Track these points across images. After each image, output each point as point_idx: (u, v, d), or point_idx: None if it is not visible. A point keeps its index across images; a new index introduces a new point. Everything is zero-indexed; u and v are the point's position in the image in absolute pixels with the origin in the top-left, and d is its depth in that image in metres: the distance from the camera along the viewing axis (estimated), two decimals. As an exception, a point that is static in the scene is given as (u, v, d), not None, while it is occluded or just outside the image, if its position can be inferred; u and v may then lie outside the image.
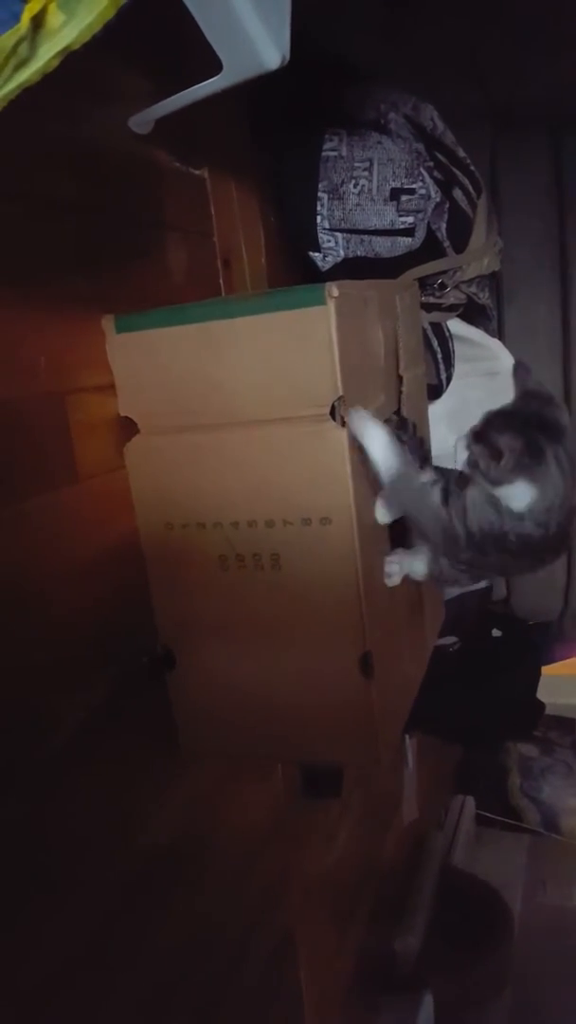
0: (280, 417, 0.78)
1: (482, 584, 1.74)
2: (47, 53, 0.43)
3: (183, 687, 0.91)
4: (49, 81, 0.46)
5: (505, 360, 1.48)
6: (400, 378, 0.98)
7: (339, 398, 0.75)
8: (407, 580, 0.95)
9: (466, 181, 1.19)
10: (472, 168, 1.20)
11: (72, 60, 0.45)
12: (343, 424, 0.76)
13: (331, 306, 0.72)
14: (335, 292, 0.72)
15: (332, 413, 0.76)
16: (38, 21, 0.42)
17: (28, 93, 0.46)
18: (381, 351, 0.90)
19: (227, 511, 0.82)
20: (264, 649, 0.86)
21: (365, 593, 0.81)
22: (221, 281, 1.06)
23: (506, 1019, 1.70)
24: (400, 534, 0.93)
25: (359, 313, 0.82)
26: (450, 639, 1.74)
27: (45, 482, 0.73)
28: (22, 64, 0.43)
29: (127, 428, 0.84)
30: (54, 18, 0.42)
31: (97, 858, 0.79)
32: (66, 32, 0.43)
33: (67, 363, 0.76)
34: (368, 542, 0.82)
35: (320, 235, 1.15)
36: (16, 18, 0.41)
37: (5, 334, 0.69)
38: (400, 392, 0.98)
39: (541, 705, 1.83)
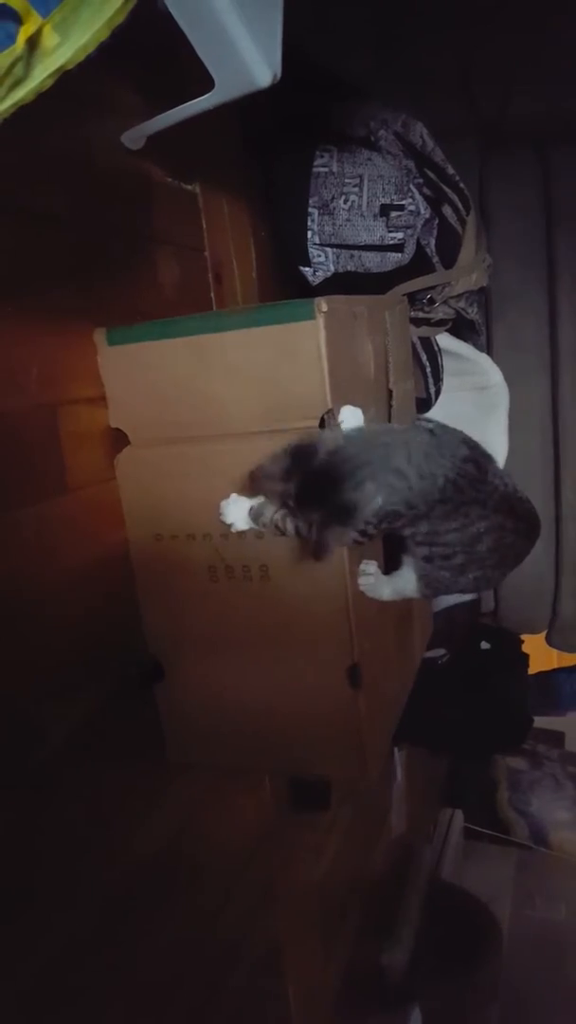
0: (270, 429, 0.79)
1: (470, 596, 1.74)
2: (42, 73, 0.44)
3: (171, 698, 0.91)
4: (43, 98, 0.46)
5: (493, 375, 1.49)
6: (390, 392, 0.99)
7: (328, 411, 0.76)
8: None
9: (455, 198, 1.20)
10: (461, 185, 1.22)
11: (66, 78, 0.46)
12: None
13: (320, 321, 0.73)
14: (324, 307, 0.73)
15: (322, 424, 0.76)
16: (33, 42, 0.42)
17: (23, 110, 0.46)
18: (371, 365, 0.91)
19: (216, 522, 0.82)
20: (252, 660, 0.86)
21: (354, 606, 0.81)
22: (212, 295, 1.07)
23: (494, 1033, 1.69)
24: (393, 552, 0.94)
25: (348, 327, 0.83)
26: (439, 651, 1.74)
27: (36, 493, 0.74)
28: (17, 83, 0.43)
29: (118, 440, 0.84)
30: (49, 39, 0.43)
31: (86, 868, 0.79)
32: (61, 52, 0.43)
33: (58, 375, 0.77)
34: (357, 555, 0.82)
35: (311, 250, 1.16)
36: (12, 39, 0.42)
37: (-4, 346, 0.69)
38: (390, 406, 0.99)
39: (530, 718, 1.84)
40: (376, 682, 0.89)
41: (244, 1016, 1.11)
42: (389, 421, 0.99)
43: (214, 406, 0.80)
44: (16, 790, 0.70)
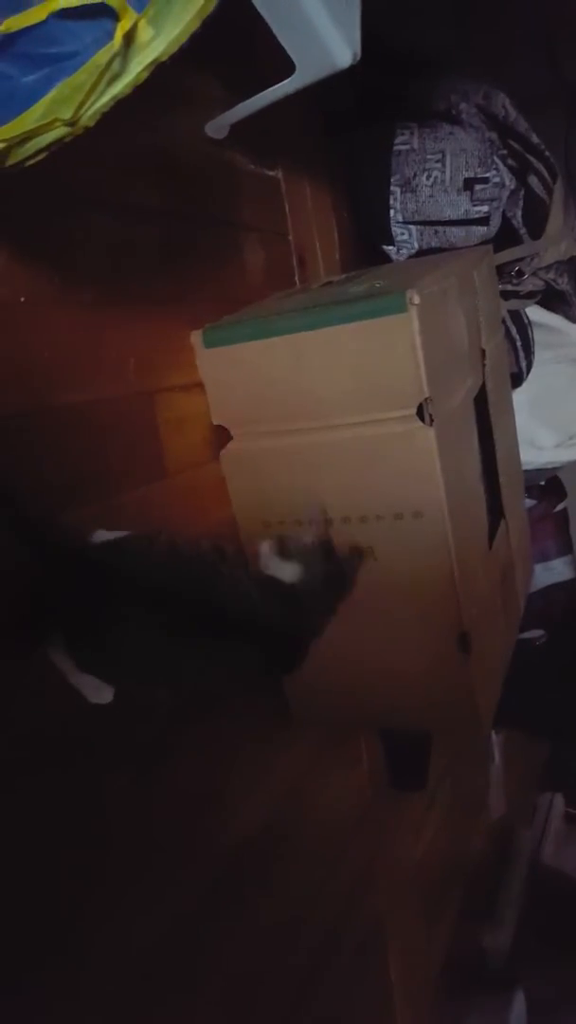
0: (369, 420, 0.80)
1: (569, 575, 1.71)
2: (138, 66, 0.46)
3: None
4: (134, 93, 0.48)
5: (586, 346, 1.45)
6: (483, 352, 0.99)
7: (426, 399, 0.76)
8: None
9: (541, 167, 1.17)
10: (547, 154, 1.19)
11: (154, 72, 0.48)
12: (431, 423, 0.77)
13: (413, 313, 0.73)
14: (416, 299, 0.73)
15: (420, 413, 0.77)
16: (129, 37, 0.44)
17: (118, 105, 0.48)
18: (464, 333, 0.91)
19: (322, 508, 0.84)
20: (367, 631, 0.88)
21: (460, 579, 0.83)
22: (297, 279, 1.08)
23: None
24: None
25: (440, 309, 0.83)
26: (537, 632, 1.71)
27: (137, 478, 0.76)
28: (115, 78, 0.45)
29: (221, 435, 0.87)
30: (144, 33, 0.45)
31: (195, 840, 0.82)
32: (155, 45, 0.45)
33: (155, 363, 0.80)
34: (461, 531, 0.84)
35: (393, 228, 1.16)
36: (110, 36, 0.44)
37: (95, 337, 0.72)
38: (484, 364, 0.99)
39: (632, 699, 1.79)
40: (484, 642, 0.91)
41: (346, 995, 1.12)
42: (483, 379, 0.99)
43: (312, 400, 0.82)
44: (133, 761, 0.73)
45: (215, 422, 0.87)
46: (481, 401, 1.00)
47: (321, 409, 0.82)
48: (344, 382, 0.79)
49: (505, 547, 1.08)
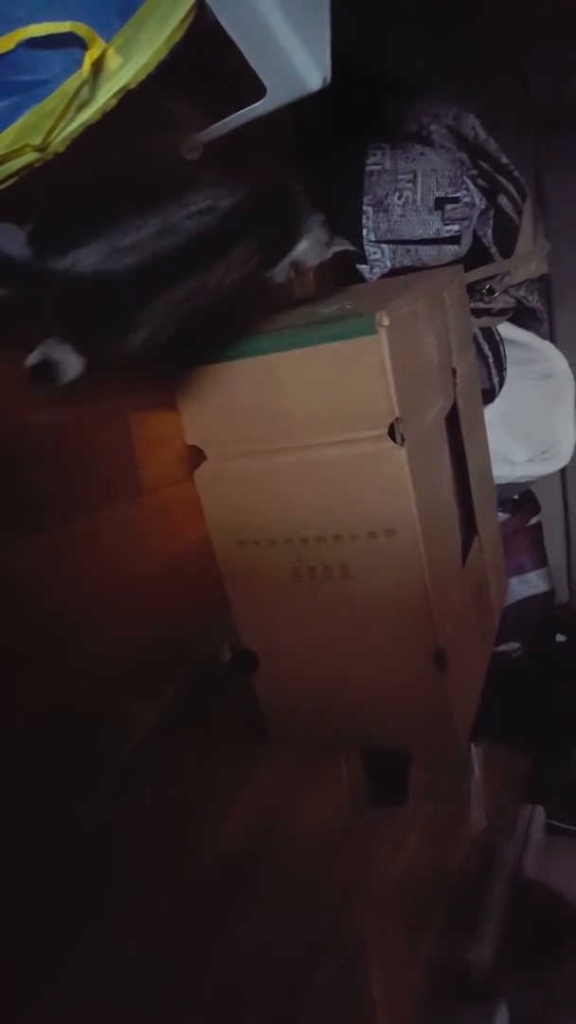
0: (341, 440, 0.81)
1: (544, 588, 1.72)
2: (106, 94, 0.46)
3: (268, 685, 0.96)
4: (107, 117, 0.49)
5: (558, 362, 1.48)
6: (454, 371, 1.00)
7: (397, 419, 0.77)
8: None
9: (511, 187, 1.19)
10: (516, 174, 1.21)
11: (128, 96, 0.49)
12: (402, 442, 0.78)
13: (382, 335, 0.74)
14: (385, 321, 0.74)
15: (391, 433, 0.78)
16: (98, 65, 0.45)
17: (89, 130, 0.49)
18: (435, 353, 0.92)
19: (296, 528, 0.85)
20: (341, 650, 0.90)
21: (434, 596, 0.83)
22: (271, 298, 1.09)
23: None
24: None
25: (410, 330, 0.84)
26: (513, 645, 1.73)
27: (110, 496, 0.77)
28: (84, 105, 0.46)
29: (195, 455, 0.88)
30: (112, 61, 0.45)
31: (173, 860, 0.81)
32: (124, 73, 0.46)
33: (129, 380, 0.80)
34: (434, 549, 0.85)
35: (367, 247, 1.17)
36: (78, 64, 0.45)
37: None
38: (455, 384, 1.01)
39: (610, 711, 1.80)
40: (460, 658, 0.92)
41: (328, 1011, 1.12)
42: (454, 398, 1.00)
43: (284, 420, 0.83)
44: (108, 783, 0.73)
45: (188, 442, 0.88)
46: (453, 420, 1.02)
47: (293, 429, 0.83)
48: (316, 403, 0.80)
49: (479, 563, 1.10)
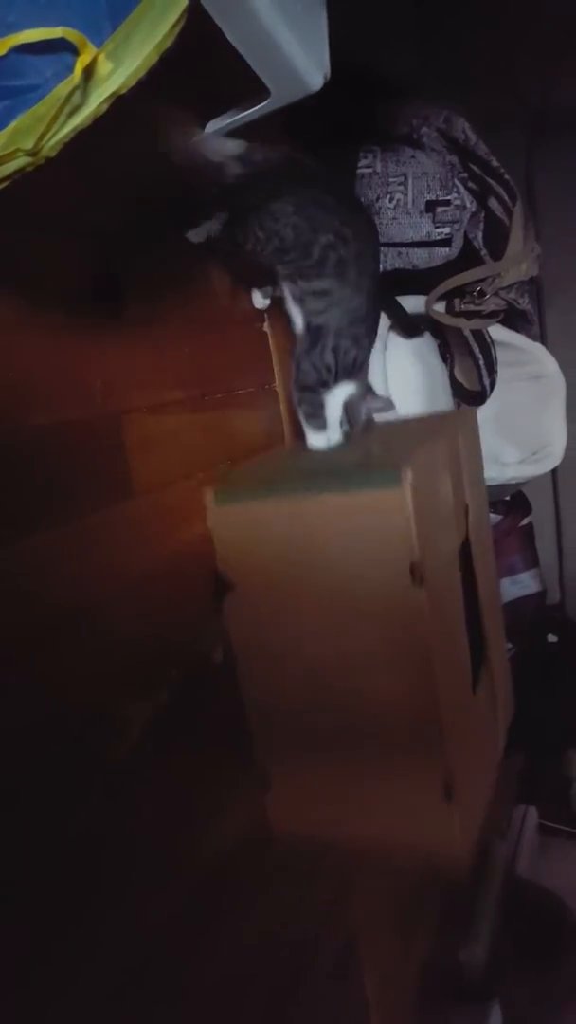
0: (364, 579, 0.85)
1: (535, 588, 1.73)
2: (97, 99, 0.47)
3: (280, 802, 1.00)
4: (99, 121, 0.49)
5: (548, 363, 1.49)
6: (466, 506, 1.05)
7: (417, 562, 0.81)
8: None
9: (501, 190, 1.20)
10: (506, 177, 1.22)
11: (120, 100, 0.49)
12: (421, 584, 0.82)
13: (407, 488, 0.80)
14: (409, 477, 0.79)
15: (412, 575, 0.82)
16: (89, 71, 0.45)
17: (80, 134, 0.49)
18: (450, 494, 0.97)
19: (318, 658, 0.90)
20: (354, 769, 0.94)
21: (446, 728, 0.87)
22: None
23: (578, 1030, 1.67)
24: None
25: (430, 479, 0.89)
26: (505, 645, 1.73)
27: (104, 499, 0.77)
28: (75, 110, 0.46)
29: (225, 583, 0.93)
30: (103, 67, 0.46)
31: (167, 859, 0.82)
32: (114, 79, 0.46)
33: (121, 385, 0.80)
34: (447, 682, 0.89)
35: (358, 250, 1.18)
36: (70, 69, 0.45)
37: (62, 360, 0.73)
38: (467, 520, 1.05)
39: (602, 710, 1.81)
40: (468, 789, 0.94)
41: (322, 1010, 1.12)
42: (466, 532, 1.04)
43: (311, 557, 0.88)
44: (99, 784, 0.73)
45: (219, 568, 0.93)
46: (465, 551, 1.04)
47: (319, 566, 0.88)
48: (341, 543, 0.85)
49: (488, 690, 1.12)
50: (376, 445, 0.96)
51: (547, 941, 1.77)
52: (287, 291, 0.97)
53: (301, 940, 1.08)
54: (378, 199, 1.15)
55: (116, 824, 0.74)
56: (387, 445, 0.96)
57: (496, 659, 1.17)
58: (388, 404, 1.04)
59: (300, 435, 1.03)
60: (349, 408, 0.98)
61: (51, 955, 0.66)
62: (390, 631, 0.85)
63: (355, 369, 0.98)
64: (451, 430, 1.02)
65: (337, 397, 0.98)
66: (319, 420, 0.99)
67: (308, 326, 0.97)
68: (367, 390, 1.00)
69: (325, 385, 0.97)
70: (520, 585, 1.73)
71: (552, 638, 1.88)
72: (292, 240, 0.89)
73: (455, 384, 1.42)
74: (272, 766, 0.99)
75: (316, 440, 1.00)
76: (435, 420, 1.07)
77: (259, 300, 1.06)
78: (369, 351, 1.00)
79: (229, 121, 0.83)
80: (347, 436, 0.99)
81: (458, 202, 1.15)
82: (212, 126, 0.86)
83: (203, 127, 0.86)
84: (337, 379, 0.97)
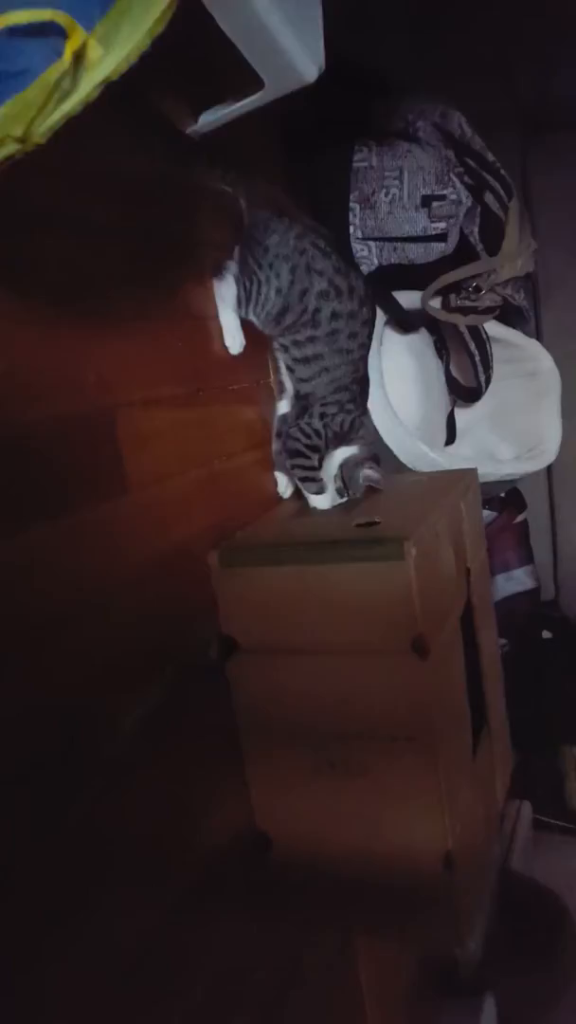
0: (367, 649, 0.86)
1: (530, 584, 1.73)
2: (88, 85, 0.46)
3: (283, 864, 1.01)
4: (90, 109, 0.49)
5: (544, 360, 1.48)
6: (468, 570, 1.05)
7: (420, 634, 0.82)
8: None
9: (496, 185, 1.20)
10: (502, 172, 1.21)
11: (113, 87, 0.48)
12: (425, 656, 0.82)
13: (410, 562, 0.80)
14: (413, 551, 0.80)
15: (415, 647, 0.82)
16: (79, 56, 0.45)
17: (71, 122, 0.49)
18: (453, 561, 0.98)
19: (320, 723, 0.91)
20: (355, 841, 0.95)
21: (447, 799, 0.87)
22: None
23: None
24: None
25: (433, 549, 0.89)
26: (500, 642, 1.73)
27: (98, 493, 0.76)
28: (65, 96, 0.46)
29: (229, 644, 0.94)
30: (94, 52, 0.45)
31: (163, 852, 0.81)
32: (105, 64, 0.46)
33: (115, 379, 0.79)
34: (448, 751, 0.89)
35: (353, 245, 1.17)
36: (59, 54, 0.44)
37: (56, 354, 0.72)
38: (468, 583, 1.05)
39: (596, 706, 1.81)
40: (467, 858, 0.95)
41: (317, 1004, 1.12)
42: (468, 594, 1.05)
43: (315, 624, 0.89)
44: (91, 782, 0.73)
45: (224, 631, 0.93)
46: (467, 614, 1.04)
47: (323, 634, 0.88)
48: (345, 612, 0.86)
49: (488, 753, 1.12)
50: (379, 510, 0.96)
51: (541, 936, 1.77)
52: (280, 361, 1.01)
53: (296, 934, 1.07)
54: (374, 193, 1.14)
55: (109, 822, 0.74)
56: (390, 512, 0.96)
57: (495, 719, 1.18)
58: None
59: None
60: (345, 471, 1.00)
61: (43, 952, 0.65)
62: (392, 704, 0.86)
63: (348, 433, 1.00)
64: (454, 496, 1.03)
65: (334, 460, 1.00)
66: (315, 484, 1.01)
67: (297, 394, 1.01)
68: (369, 456, 1.01)
69: (315, 450, 0.99)
70: (514, 581, 1.73)
71: (546, 634, 1.88)
72: (288, 285, 0.92)
73: (451, 380, 1.42)
74: (272, 827, 1.00)
75: (318, 502, 1.02)
76: (438, 481, 1.08)
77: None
78: (361, 416, 1.02)
79: (223, 112, 0.83)
80: (344, 496, 1.01)
81: (454, 197, 1.15)
82: (206, 117, 0.85)
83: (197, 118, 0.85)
84: (328, 445, 0.99)
